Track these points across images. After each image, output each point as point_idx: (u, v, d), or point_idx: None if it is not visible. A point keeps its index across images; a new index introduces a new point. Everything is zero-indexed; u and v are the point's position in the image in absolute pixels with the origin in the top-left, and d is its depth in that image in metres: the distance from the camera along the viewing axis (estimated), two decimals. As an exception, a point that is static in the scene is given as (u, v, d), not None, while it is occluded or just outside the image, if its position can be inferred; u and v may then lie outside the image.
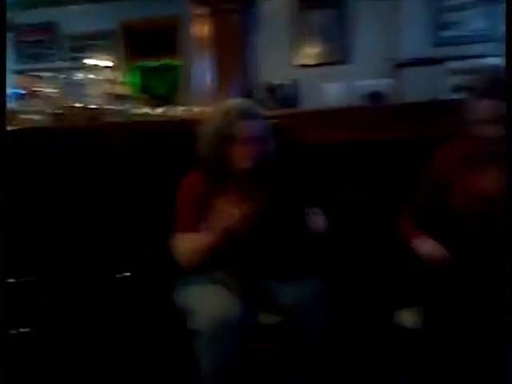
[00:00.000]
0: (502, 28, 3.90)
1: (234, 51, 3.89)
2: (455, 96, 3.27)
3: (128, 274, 2.48)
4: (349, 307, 2.36)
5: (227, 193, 1.98)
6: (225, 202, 1.93)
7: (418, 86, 3.53)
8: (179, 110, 3.73)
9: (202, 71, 4.27)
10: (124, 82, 5.09)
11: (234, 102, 2.04)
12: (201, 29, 4.04)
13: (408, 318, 1.90)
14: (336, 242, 2.17)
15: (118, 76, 5.08)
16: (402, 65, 3.91)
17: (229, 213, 1.87)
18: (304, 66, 4.25)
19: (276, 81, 4.04)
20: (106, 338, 2.43)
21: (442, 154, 1.89)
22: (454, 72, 3.65)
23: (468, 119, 1.75)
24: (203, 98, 4.12)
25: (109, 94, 4.25)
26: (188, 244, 1.93)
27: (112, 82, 4.65)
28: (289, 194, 1.95)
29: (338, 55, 4.19)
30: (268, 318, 1.98)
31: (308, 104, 3.95)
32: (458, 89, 3.46)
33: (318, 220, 1.97)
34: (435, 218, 1.88)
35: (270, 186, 1.94)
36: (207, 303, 1.83)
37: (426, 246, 1.82)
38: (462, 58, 3.69)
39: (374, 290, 2.35)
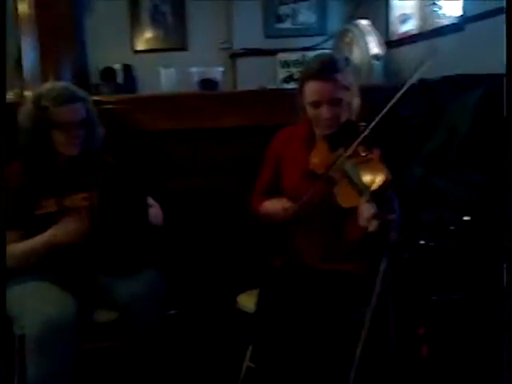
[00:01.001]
0: (331, 22, 4.21)
1: (60, 32, 3.63)
2: (287, 86, 3.44)
3: None
4: (193, 296, 2.36)
5: (54, 183, 1.85)
6: (52, 195, 1.80)
7: (252, 76, 3.65)
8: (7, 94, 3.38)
9: (31, 52, 3.92)
10: None
11: (48, 86, 1.89)
12: (23, 6, 3.69)
13: (247, 301, 1.94)
14: (174, 231, 2.15)
15: None
16: (237, 54, 3.99)
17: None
18: (143, 51, 4.15)
19: (114, 65, 3.89)
20: None
21: (282, 136, 1.96)
22: (285, 63, 3.84)
23: (299, 105, 1.83)
24: (34, 81, 3.80)
25: None
26: (15, 247, 1.77)
27: None
28: (124, 184, 1.87)
29: (177, 42, 4.16)
30: (105, 314, 1.89)
31: (146, 90, 3.87)
32: (288, 79, 3.65)
33: (155, 211, 1.93)
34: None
35: (102, 175, 1.84)
36: (35, 304, 1.69)
37: (273, 204, 1.85)
38: (293, 50, 3.87)
39: (215, 277, 2.38)
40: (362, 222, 1.50)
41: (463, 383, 1.90)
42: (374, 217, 1.44)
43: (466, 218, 2.10)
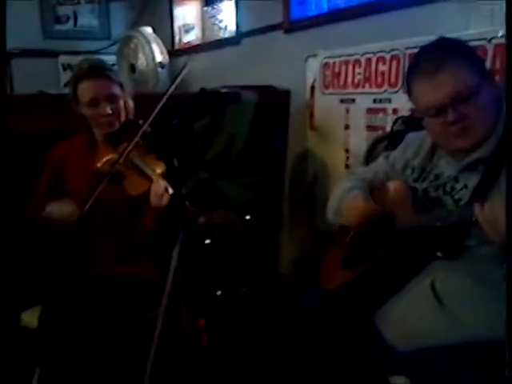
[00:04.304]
0: (114, 27, 4.15)
1: None
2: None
3: None
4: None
5: None
6: None
7: (31, 79, 3.41)
8: None
9: None
10: None
11: None
12: None
13: (31, 318, 1.83)
14: None
15: None
16: (12, 54, 3.70)
17: None
18: None
19: None
20: None
21: (60, 149, 1.88)
22: (68, 66, 3.68)
23: (75, 111, 1.79)
24: None
25: None
26: None
27: None
28: None
29: None
30: None
31: None
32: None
33: None
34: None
35: None
36: None
37: (49, 206, 1.74)
38: (76, 53, 3.74)
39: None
40: (154, 198, 1.61)
41: (241, 370, 2.05)
42: (165, 191, 1.58)
43: (247, 217, 2.28)
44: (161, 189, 1.60)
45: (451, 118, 1.20)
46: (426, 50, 1.29)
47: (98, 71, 1.75)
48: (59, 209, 1.73)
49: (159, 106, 1.62)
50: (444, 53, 1.23)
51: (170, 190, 1.58)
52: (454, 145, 1.26)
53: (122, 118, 1.78)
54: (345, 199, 1.47)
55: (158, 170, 1.69)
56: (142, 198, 1.67)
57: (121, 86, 1.79)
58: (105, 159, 1.77)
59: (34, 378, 1.79)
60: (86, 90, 1.74)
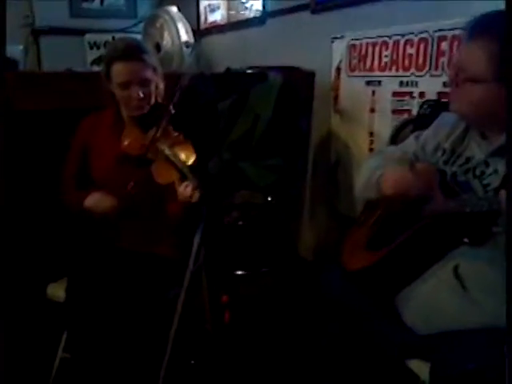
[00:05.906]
0: (140, 6, 4.15)
1: None
2: (96, 68, 3.32)
3: None
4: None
5: None
6: None
7: (59, 56, 3.45)
8: None
9: None
10: None
11: None
12: None
13: (58, 290, 1.86)
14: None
15: None
16: (40, 31, 3.73)
17: None
18: None
19: None
20: None
21: (87, 124, 1.89)
22: (94, 45, 3.71)
23: (105, 89, 1.80)
24: None
25: None
26: None
27: None
28: None
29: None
30: None
31: None
32: (98, 61, 3.53)
33: None
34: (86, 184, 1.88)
35: None
36: None
37: (91, 199, 1.79)
38: (102, 31, 3.75)
39: (23, 265, 2.22)
40: (182, 198, 1.60)
41: (261, 346, 2.08)
42: (196, 188, 1.57)
43: (269, 199, 2.29)
44: (192, 185, 1.59)
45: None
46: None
47: (134, 53, 1.73)
48: (100, 203, 1.77)
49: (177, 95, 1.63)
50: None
51: (198, 194, 1.57)
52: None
53: (152, 102, 1.79)
54: (379, 172, 1.41)
55: (188, 161, 1.68)
56: (168, 186, 1.67)
57: (154, 69, 1.79)
58: (133, 142, 1.78)
59: (60, 346, 1.85)
60: (119, 71, 1.74)
